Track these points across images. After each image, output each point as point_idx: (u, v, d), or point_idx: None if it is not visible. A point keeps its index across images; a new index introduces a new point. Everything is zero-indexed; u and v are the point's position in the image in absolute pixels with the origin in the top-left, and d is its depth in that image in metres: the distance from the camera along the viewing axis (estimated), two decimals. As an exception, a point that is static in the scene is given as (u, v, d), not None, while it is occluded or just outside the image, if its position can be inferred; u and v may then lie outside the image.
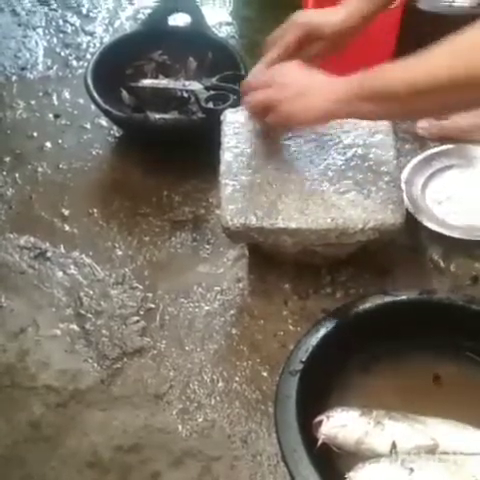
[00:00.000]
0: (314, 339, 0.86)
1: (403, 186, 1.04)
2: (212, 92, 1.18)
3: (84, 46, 1.46)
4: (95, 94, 1.20)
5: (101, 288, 1.06)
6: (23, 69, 1.41)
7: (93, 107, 1.24)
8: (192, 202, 1.16)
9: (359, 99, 0.86)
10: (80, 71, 1.37)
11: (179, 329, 1.01)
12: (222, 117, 1.07)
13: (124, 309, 1.03)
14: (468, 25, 1.24)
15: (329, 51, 1.02)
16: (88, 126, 1.29)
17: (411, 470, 0.76)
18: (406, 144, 1.20)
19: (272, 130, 1.01)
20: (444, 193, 1.12)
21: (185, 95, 1.24)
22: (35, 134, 1.29)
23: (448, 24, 1.27)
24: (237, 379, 0.95)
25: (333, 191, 0.97)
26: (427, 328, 0.88)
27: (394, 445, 0.80)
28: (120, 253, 1.10)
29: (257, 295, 1.04)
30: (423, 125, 1.21)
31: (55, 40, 1.47)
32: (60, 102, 1.34)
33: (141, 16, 1.49)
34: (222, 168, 1.01)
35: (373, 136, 1.03)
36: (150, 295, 1.04)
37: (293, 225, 0.94)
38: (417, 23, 1.27)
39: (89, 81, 1.21)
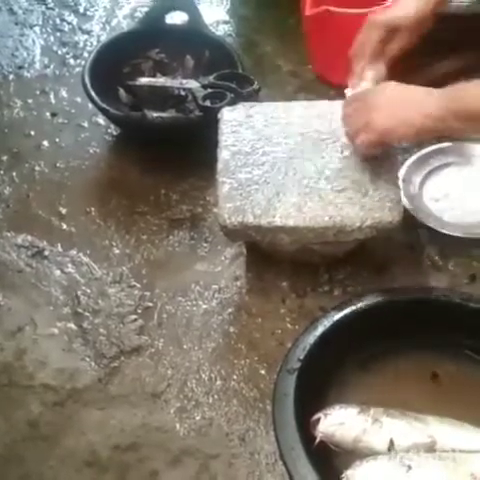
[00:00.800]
0: (312, 337, 0.86)
1: (401, 184, 1.04)
2: (209, 90, 1.18)
3: (81, 45, 1.45)
4: (92, 93, 1.20)
5: (99, 287, 1.05)
6: (20, 68, 1.41)
7: (90, 106, 1.24)
8: (190, 200, 1.16)
9: (453, 118, 0.86)
10: (77, 70, 1.37)
11: (177, 327, 1.01)
12: (219, 115, 1.07)
13: (122, 308, 1.03)
14: (464, 24, 1.25)
15: (409, 43, 1.02)
16: (85, 125, 1.29)
17: (409, 467, 0.76)
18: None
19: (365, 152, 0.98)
20: (442, 191, 1.12)
21: (182, 93, 1.23)
22: (32, 133, 1.29)
23: (447, 21, 1.28)
24: (235, 377, 0.95)
25: (330, 189, 0.97)
26: (425, 326, 0.88)
27: (392, 443, 0.80)
28: (118, 252, 1.10)
29: (255, 293, 1.03)
30: None
31: (52, 39, 1.47)
32: (57, 101, 1.34)
33: (138, 14, 1.49)
34: (219, 166, 1.01)
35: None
36: (148, 294, 1.04)
37: (291, 223, 0.94)
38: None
39: (86, 79, 1.21)
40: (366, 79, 0.99)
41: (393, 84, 0.95)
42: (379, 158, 0.99)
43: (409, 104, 0.90)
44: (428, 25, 1.02)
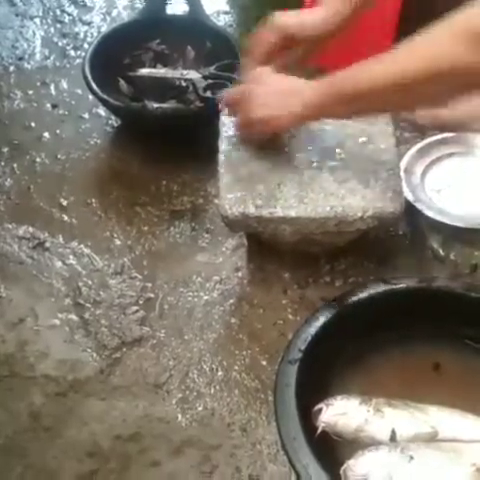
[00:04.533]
0: (313, 328, 0.85)
1: (402, 174, 1.04)
2: (210, 81, 1.18)
3: (81, 36, 1.45)
4: (93, 84, 1.19)
5: (100, 278, 1.05)
6: (20, 59, 1.41)
7: (91, 97, 1.24)
8: (191, 191, 1.16)
9: (331, 101, 0.88)
10: (78, 61, 1.37)
11: (178, 318, 1.01)
12: (220, 106, 1.06)
13: (123, 299, 1.03)
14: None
15: (309, 53, 1.02)
16: (86, 116, 1.29)
17: (411, 458, 0.76)
18: (405, 132, 1.19)
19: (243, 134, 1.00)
20: (443, 181, 1.12)
21: (183, 84, 1.23)
22: (33, 124, 1.29)
23: (449, 2, 1.27)
24: (236, 368, 0.95)
25: (332, 180, 0.97)
26: (427, 316, 0.88)
27: (394, 433, 0.80)
28: (119, 243, 1.10)
29: (256, 284, 1.03)
30: (422, 113, 1.20)
31: (52, 30, 1.47)
32: (58, 92, 1.34)
33: (138, 5, 1.48)
34: (220, 157, 1.00)
35: (372, 125, 1.02)
36: (149, 285, 1.04)
37: (292, 214, 0.94)
38: (418, 2, 1.26)
39: (87, 71, 1.21)
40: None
41: (273, 74, 0.97)
42: (378, 147, 0.99)
43: (287, 93, 0.92)
44: (336, 37, 1.00)
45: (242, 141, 1.00)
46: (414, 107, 1.00)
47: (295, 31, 0.98)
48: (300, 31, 0.98)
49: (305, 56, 1.02)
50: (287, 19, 0.99)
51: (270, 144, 1.00)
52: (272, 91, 0.94)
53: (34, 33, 1.46)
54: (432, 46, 0.79)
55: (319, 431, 0.80)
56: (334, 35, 0.99)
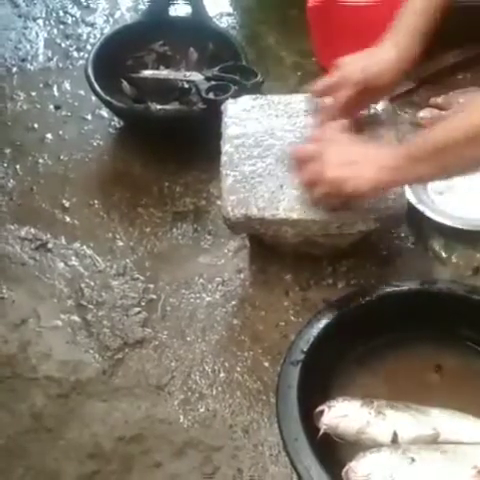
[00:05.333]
0: (315, 329, 0.86)
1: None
2: (213, 83, 1.18)
3: (84, 37, 1.45)
4: (96, 85, 1.20)
5: (102, 279, 1.06)
6: (23, 60, 1.41)
7: (94, 98, 1.24)
8: (193, 193, 1.16)
9: (406, 162, 0.85)
10: (81, 62, 1.37)
11: (180, 320, 1.01)
12: (223, 108, 1.07)
13: (125, 300, 1.03)
14: (470, 15, 1.24)
15: (381, 97, 1.01)
16: (89, 117, 1.29)
17: (412, 459, 0.76)
18: (408, 135, 1.19)
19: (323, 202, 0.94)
20: (445, 183, 1.12)
21: (186, 86, 1.23)
22: (36, 125, 1.29)
23: (456, 13, 1.28)
24: (238, 369, 0.95)
25: (334, 181, 0.97)
26: (428, 318, 0.88)
27: (395, 435, 0.80)
28: (121, 244, 1.10)
29: (258, 286, 1.03)
30: (425, 115, 1.21)
31: (55, 31, 1.47)
32: (61, 93, 1.34)
33: (141, 7, 1.48)
34: (223, 159, 1.00)
35: (375, 126, 1.02)
36: (151, 286, 1.04)
37: (294, 216, 0.94)
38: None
39: (90, 72, 1.21)
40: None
41: (343, 135, 0.94)
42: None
43: (362, 156, 0.89)
44: (407, 74, 0.99)
45: (312, 202, 0.94)
46: None
47: (372, 84, 0.95)
48: (377, 82, 0.96)
49: (377, 101, 1.01)
50: (363, 70, 0.95)
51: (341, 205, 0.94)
52: (346, 153, 0.90)
53: (37, 34, 1.47)
54: None
55: (321, 433, 0.80)
56: (405, 75, 0.98)
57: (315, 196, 0.92)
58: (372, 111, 1.03)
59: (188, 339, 0.99)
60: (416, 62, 0.97)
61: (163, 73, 1.26)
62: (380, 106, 1.04)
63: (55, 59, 1.41)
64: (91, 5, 1.52)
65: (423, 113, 1.21)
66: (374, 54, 0.97)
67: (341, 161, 0.89)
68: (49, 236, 1.12)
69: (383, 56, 0.96)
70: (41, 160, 1.23)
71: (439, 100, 1.22)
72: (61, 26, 1.48)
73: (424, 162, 0.84)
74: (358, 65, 0.96)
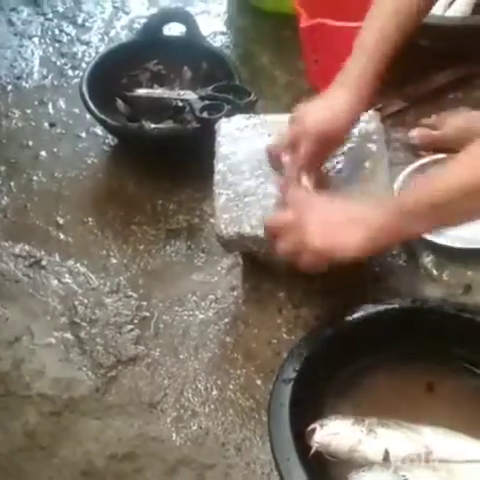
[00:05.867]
0: (307, 347, 0.86)
1: (396, 195, 1.05)
2: (207, 102, 1.19)
3: (79, 55, 1.46)
4: (90, 103, 1.20)
5: (96, 297, 1.06)
6: (19, 78, 1.42)
7: (88, 116, 1.25)
8: (187, 211, 1.17)
9: (397, 220, 0.82)
10: (75, 80, 1.37)
11: (173, 337, 1.01)
12: (216, 126, 1.08)
13: (118, 317, 1.03)
14: (460, 36, 1.26)
15: (342, 141, 0.99)
16: (83, 135, 1.30)
17: (404, 478, 0.77)
18: (399, 153, 1.21)
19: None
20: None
21: (180, 104, 1.24)
22: (30, 143, 1.30)
23: (441, 35, 1.30)
24: (231, 387, 0.95)
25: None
26: (420, 336, 0.89)
27: (387, 453, 0.80)
28: (115, 261, 1.11)
29: (251, 303, 1.04)
30: (415, 134, 1.22)
31: (51, 49, 1.48)
32: (55, 111, 1.35)
33: (136, 26, 1.50)
34: (216, 177, 1.01)
35: (365, 146, 1.03)
36: (145, 303, 1.05)
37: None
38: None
39: (84, 90, 1.22)
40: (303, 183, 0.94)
41: (317, 197, 0.91)
42: (372, 168, 1.00)
43: (347, 219, 0.85)
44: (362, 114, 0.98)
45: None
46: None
47: (333, 136, 0.94)
48: (337, 133, 0.95)
49: (335, 150, 0.99)
50: (320, 122, 0.93)
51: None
52: (328, 218, 0.86)
53: (32, 52, 1.48)
54: None
55: (313, 451, 0.80)
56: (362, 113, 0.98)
57: (301, 265, 0.88)
58: (363, 131, 1.04)
59: (181, 357, 0.99)
60: (371, 102, 0.97)
61: (157, 92, 1.27)
62: (371, 126, 1.05)
63: (50, 77, 1.42)
64: (86, 24, 1.53)
65: (414, 133, 1.22)
66: (326, 105, 0.95)
67: (324, 228, 0.85)
68: (43, 253, 1.12)
69: (335, 106, 0.94)
70: (35, 177, 1.24)
71: (430, 120, 1.23)
72: (56, 44, 1.49)
73: (421, 219, 0.81)
74: (313, 118, 0.94)
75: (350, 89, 0.95)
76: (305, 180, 0.94)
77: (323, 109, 0.95)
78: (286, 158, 0.96)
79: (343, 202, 0.91)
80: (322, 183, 0.98)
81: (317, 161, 0.97)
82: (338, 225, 0.85)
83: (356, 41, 0.97)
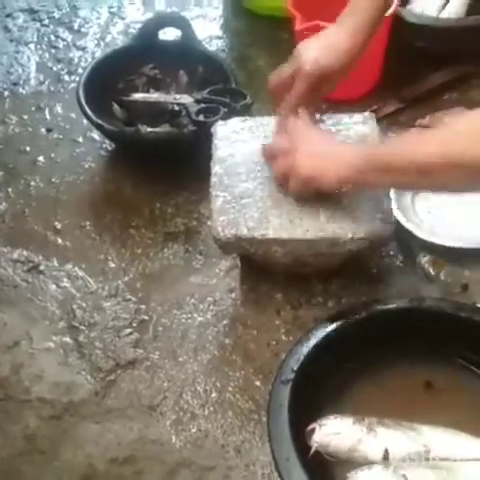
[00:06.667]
0: (305, 348, 0.86)
1: (392, 195, 1.05)
2: (203, 105, 1.19)
3: (76, 61, 1.47)
4: (87, 108, 1.21)
5: (94, 300, 1.06)
6: (15, 84, 1.42)
7: (85, 121, 1.25)
8: (184, 214, 1.17)
9: (364, 168, 0.88)
10: (72, 86, 1.38)
11: (172, 340, 1.01)
12: (212, 130, 1.08)
13: (117, 321, 1.03)
14: (455, 37, 1.26)
15: (338, 82, 1.00)
16: (80, 140, 1.30)
17: (403, 477, 0.77)
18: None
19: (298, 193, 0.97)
20: (433, 201, 1.13)
21: (176, 108, 1.24)
22: (28, 148, 1.30)
23: (435, 36, 1.30)
24: (230, 389, 0.95)
25: (322, 201, 0.98)
26: (418, 336, 0.89)
27: (387, 452, 0.80)
28: (113, 265, 1.11)
29: (250, 305, 1.04)
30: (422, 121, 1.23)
31: (47, 55, 1.48)
32: (52, 116, 1.35)
33: (132, 31, 1.50)
34: (213, 180, 1.01)
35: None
36: (143, 307, 1.05)
37: (284, 235, 0.95)
38: (405, 35, 1.29)
39: (81, 95, 1.22)
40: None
41: (312, 130, 0.98)
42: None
43: (330, 154, 0.93)
44: (360, 58, 0.98)
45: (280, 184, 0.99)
46: (437, 191, 1.02)
47: (327, 72, 0.96)
48: (331, 70, 0.96)
49: (332, 89, 1.01)
50: (316, 60, 0.96)
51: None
52: (316, 150, 0.95)
53: (29, 58, 1.48)
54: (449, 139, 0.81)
55: (312, 451, 0.80)
56: (360, 59, 0.98)
57: (289, 189, 0.96)
58: (359, 132, 1.04)
59: (180, 359, 0.99)
60: (367, 45, 0.98)
61: (153, 96, 1.28)
62: (366, 127, 1.05)
63: (47, 83, 1.42)
64: (82, 29, 1.54)
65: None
66: (326, 42, 0.97)
67: (311, 158, 0.94)
68: (41, 258, 1.12)
69: (335, 43, 0.96)
70: (33, 183, 1.24)
71: (425, 121, 1.23)
72: (52, 50, 1.49)
73: (378, 176, 0.88)
74: (310, 55, 0.96)
75: (348, 28, 0.96)
76: (302, 112, 0.99)
77: (321, 49, 0.97)
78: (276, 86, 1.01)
79: (332, 139, 1.00)
80: (314, 122, 1.02)
81: (313, 98, 1.00)
82: (323, 158, 0.93)
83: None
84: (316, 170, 0.93)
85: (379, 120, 1.12)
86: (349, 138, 1.04)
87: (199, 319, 1.03)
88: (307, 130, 0.98)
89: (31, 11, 1.58)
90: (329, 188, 0.94)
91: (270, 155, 1.01)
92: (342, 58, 0.96)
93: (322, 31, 1.00)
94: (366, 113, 1.08)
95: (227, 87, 1.23)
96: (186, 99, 1.22)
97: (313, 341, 0.87)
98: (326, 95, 1.03)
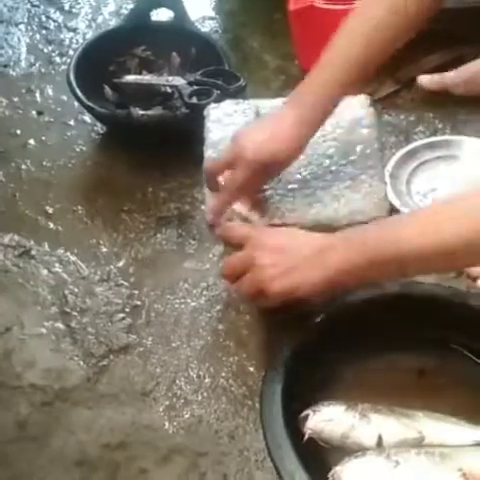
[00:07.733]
0: (299, 334, 0.86)
1: (388, 179, 1.04)
2: (195, 87, 1.18)
3: (67, 42, 1.45)
4: (78, 91, 1.19)
5: (86, 286, 1.05)
6: (5, 66, 1.41)
7: (76, 104, 1.24)
8: (177, 198, 1.16)
9: (367, 266, 0.76)
10: (63, 67, 1.36)
11: (165, 326, 1.00)
12: (205, 112, 1.07)
13: (109, 306, 1.03)
14: (451, 17, 1.24)
15: (280, 171, 0.94)
16: (72, 123, 1.29)
17: (397, 463, 0.76)
18: (391, 137, 1.20)
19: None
20: (429, 186, 1.12)
21: (168, 91, 1.23)
22: (18, 131, 1.28)
23: (440, 14, 1.28)
24: (223, 375, 0.95)
25: (316, 186, 0.97)
26: (411, 322, 0.88)
27: (380, 438, 0.80)
28: (105, 250, 1.10)
29: (243, 290, 1.03)
30: (425, 79, 1.21)
31: (38, 36, 1.47)
32: (43, 99, 1.34)
33: (124, 12, 1.48)
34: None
35: (356, 131, 1.03)
36: (136, 292, 1.04)
37: (276, 221, 0.94)
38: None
39: (72, 78, 1.21)
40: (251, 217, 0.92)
41: (270, 233, 0.87)
42: (363, 152, 0.99)
43: (299, 258, 0.80)
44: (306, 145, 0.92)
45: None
46: (458, 269, 0.93)
47: (271, 164, 0.90)
48: (276, 162, 0.90)
49: (274, 178, 0.95)
50: (259, 149, 0.89)
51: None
52: (282, 257, 0.80)
53: (19, 40, 1.46)
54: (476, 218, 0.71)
55: (306, 438, 0.80)
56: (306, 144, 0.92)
57: (262, 308, 0.87)
58: (354, 115, 1.03)
59: (173, 345, 0.98)
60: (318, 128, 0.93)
61: (146, 78, 1.26)
62: (362, 110, 1.04)
63: (37, 64, 1.40)
64: (73, 10, 1.52)
65: (424, 79, 1.21)
66: (271, 130, 0.90)
67: (280, 270, 0.80)
68: (32, 243, 1.11)
69: (279, 134, 0.89)
70: (24, 166, 1.23)
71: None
72: (43, 31, 1.47)
73: (387, 267, 0.77)
74: (253, 144, 0.90)
75: (302, 117, 0.89)
76: (239, 206, 0.93)
77: (265, 138, 0.90)
78: (221, 180, 0.94)
79: (295, 237, 0.85)
80: (259, 209, 0.95)
81: (254, 187, 0.94)
82: (293, 266, 0.79)
83: (322, 57, 0.92)
84: (289, 284, 0.79)
85: (374, 102, 1.11)
86: (344, 121, 1.03)
87: (192, 304, 1.03)
88: (263, 233, 0.87)
89: (21, -9, 1.56)
90: (311, 298, 0.82)
91: (232, 277, 0.86)
92: (288, 151, 0.90)
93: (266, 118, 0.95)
94: (361, 96, 1.07)
95: (220, 69, 1.22)
96: (179, 81, 1.21)
97: (307, 328, 0.86)
98: (265, 185, 0.96)
